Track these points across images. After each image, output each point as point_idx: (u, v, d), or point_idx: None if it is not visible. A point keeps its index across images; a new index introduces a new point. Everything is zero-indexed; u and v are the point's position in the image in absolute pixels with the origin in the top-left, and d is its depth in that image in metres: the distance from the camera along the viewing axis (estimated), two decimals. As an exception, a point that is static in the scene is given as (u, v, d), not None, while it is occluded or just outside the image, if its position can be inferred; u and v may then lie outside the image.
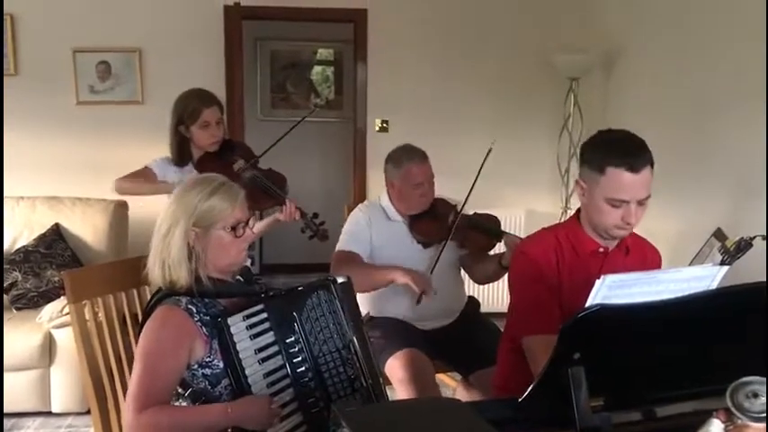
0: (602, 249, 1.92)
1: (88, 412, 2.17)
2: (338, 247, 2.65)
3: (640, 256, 1.96)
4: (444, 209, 2.70)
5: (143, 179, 2.76)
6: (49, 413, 3.30)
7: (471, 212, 2.72)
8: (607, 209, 1.81)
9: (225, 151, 2.81)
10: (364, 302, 2.71)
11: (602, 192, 1.80)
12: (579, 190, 1.89)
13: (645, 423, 1.40)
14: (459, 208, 2.69)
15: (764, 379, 1.06)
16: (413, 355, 2.44)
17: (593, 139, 1.89)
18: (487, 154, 2.63)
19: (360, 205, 2.82)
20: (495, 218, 2.76)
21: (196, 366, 1.66)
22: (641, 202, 1.80)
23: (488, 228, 2.67)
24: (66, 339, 3.19)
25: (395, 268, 2.46)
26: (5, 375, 3.11)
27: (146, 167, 2.81)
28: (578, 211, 1.98)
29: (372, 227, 2.64)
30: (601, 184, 1.80)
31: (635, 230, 1.99)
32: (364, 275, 2.49)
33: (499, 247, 2.68)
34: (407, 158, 2.62)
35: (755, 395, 1.06)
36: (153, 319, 1.67)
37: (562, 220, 4.39)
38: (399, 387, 2.39)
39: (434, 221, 2.65)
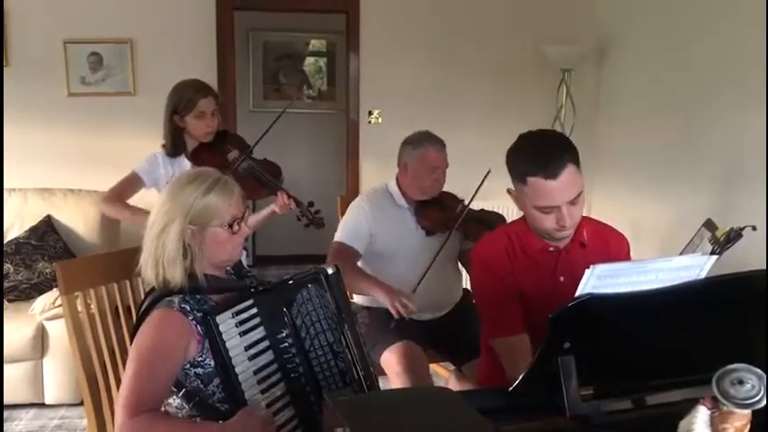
0: (552, 249, 1.89)
1: (81, 403, 2.18)
2: (336, 237, 2.66)
3: (601, 246, 1.91)
4: (452, 200, 2.74)
5: (125, 197, 2.78)
6: (42, 404, 3.30)
7: (479, 209, 2.75)
8: (539, 216, 1.79)
9: (219, 142, 2.81)
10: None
11: (529, 201, 1.78)
12: (513, 200, 1.88)
13: (634, 411, 1.42)
14: (466, 201, 2.71)
15: (749, 366, 1.07)
16: (408, 348, 2.45)
17: (514, 146, 1.86)
18: (484, 178, 2.66)
19: (362, 195, 2.82)
20: (501, 216, 2.79)
21: (188, 366, 1.63)
22: (573, 202, 1.77)
23: (494, 223, 2.68)
24: (58, 331, 3.19)
25: (380, 287, 2.43)
26: (-2, 367, 3.11)
27: (133, 173, 2.80)
28: None
29: (372, 217, 2.64)
30: (526, 193, 1.78)
31: (594, 218, 1.98)
32: (351, 280, 2.47)
33: None
34: (428, 142, 2.65)
35: (741, 382, 1.07)
36: (148, 322, 1.63)
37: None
38: (395, 380, 2.41)
39: (441, 210, 2.67)
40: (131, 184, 2.80)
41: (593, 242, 1.91)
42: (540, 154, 1.75)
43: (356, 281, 2.51)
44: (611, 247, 1.94)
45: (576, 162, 1.76)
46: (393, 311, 2.35)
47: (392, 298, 2.36)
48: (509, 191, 1.88)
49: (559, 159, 1.73)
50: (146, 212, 2.63)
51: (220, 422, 1.58)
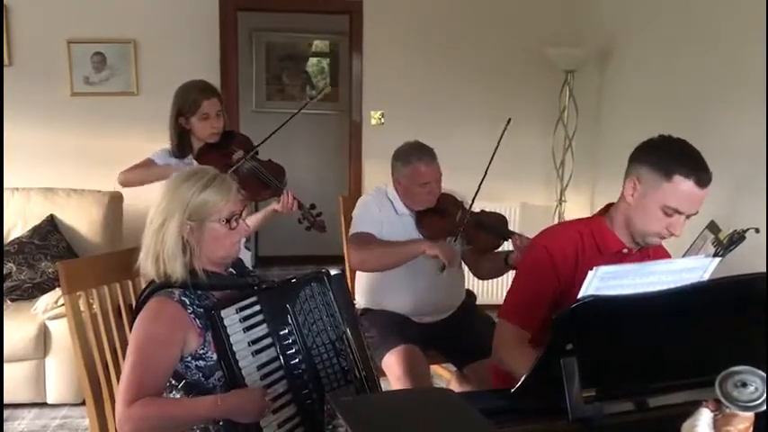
0: (626, 250, 1.90)
1: (83, 403, 2.18)
2: (352, 230, 2.64)
3: (660, 258, 1.92)
4: (452, 206, 2.70)
5: (146, 168, 2.76)
6: (44, 404, 3.30)
7: (478, 210, 2.71)
8: (658, 215, 1.78)
9: (225, 142, 2.81)
10: (362, 295, 2.72)
11: (662, 197, 1.76)
12: (630, 189, 1.84)
13: (636, 413, 1.42)
14: (466, 206, 2.69)
15: (753, 369, 1.07)
16: (409, 352, 2.44)
17: (659, 142, 1.84)
18: (505, 127, 2.61)
19: (369, 192, 2.81)
20: (503, 217, 2.76)
21: (189, 358, 1.66)
22: (690, 216, 1.79)
23: (496, 228, 2.67)
24: (60, 330, 3.20)
25: (421, 241, 2.47)
26: (0, 366, 3.11)
27: (148, 159, 2.81)
28: (606, 208, 1.96)
29: (383, 214, 2.64)
30: (663, 188, 1.76)
31: None
32: (389, 252, 2.49)
33: (505, 245, 2.69)
34: (416, 157, 2.60)
35: (744, 384, 1.07)
36: (145, 311, 1.66)
37: (557, 213, 4.44)
38: (396, 384, 2.40)
39: (442, 218, 2.65)
40: (147, 165, 2.79)
41: (655, 252, 1.94)
42: (699, 160, 1.77)
43: (396, 250, 2.49)
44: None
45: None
46: (444, 261, 2.39)
47: (441, 250, 2.40)
48: (631, 179, 1.84)
49: (709, 174, 1.76)
50: (171, 167, 2.62)
51: (217, 394, 1.61)
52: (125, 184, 2.83)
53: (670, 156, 1.79)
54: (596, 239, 1.91)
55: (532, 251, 2.00)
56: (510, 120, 2.60)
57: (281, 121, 2.83)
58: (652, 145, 1.85)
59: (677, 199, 1.75)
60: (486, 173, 2.64)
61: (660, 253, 1.99)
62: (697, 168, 1.75)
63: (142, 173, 2.76)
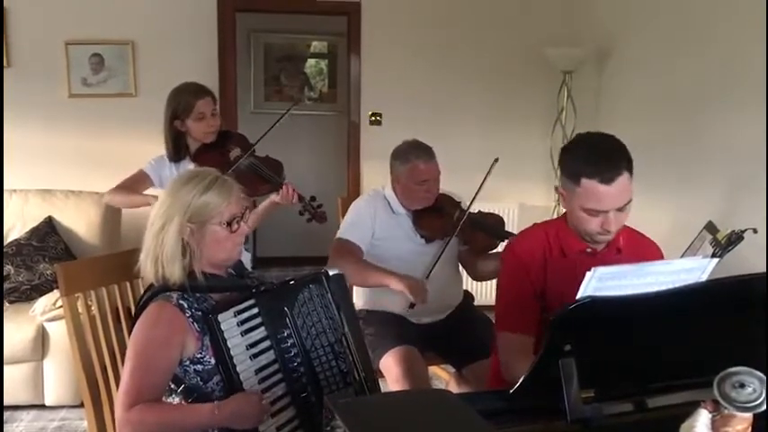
0: (589, 250, 1.91)
1: (81, 405, 2.18)
2: (338, 235, 2.65)
3: (635, 253, 1.91)
4: (449, 205, 2.70)
5: (132, 191, 2.76)
6: (43, 406, 3.30)
7: (476, 210, 2.72)
8: (585, 217, 1.80)
9: (221, 141, 2.82)
10: (360, 296, 2.71)
11: (579, 202, 1.79)
12: (560, 196, 1.89)
13: (635, 414, 1.41)
14: (464, 206, 2.70)
15: (751, 369, 1.07)
16: (407, 353, 2.44)
17: (570, 145, 1.88)
18: (492, 166, 2.63)
19: (363, 195, 2.81)
20: (500, 218, 2.77)
21: (188, 362, 1.65)
22: (621, 208, 1.79)
23: (492, 228, 2.68)
24: (59, 332, 3.19)
25: (391, 274, 2.43)
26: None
27: (141, 171, 2.81)
28: None
29: (376, 219, 2.63)
30: (577, 194, 1.79)
31: (631, 226, 1.97)
32: (360, 273, 2.48)
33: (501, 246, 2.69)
34: (414, 155, 2.61)
35: (742, 385, 1.07)
36: (145, 315, 1.66)
37: (555, 214, 4.44)
38: (394, 385, 2.40)
39: (439, 217, 2.65)
40: (138, 181, 2.80)
41: (628, 248, 1.93)
42: (598, 158, 1.76)
43: (366, 273, 2.49)
44: (645, 254, 1.93)
45: (631, 170, 1.77)
46: (411, 297, 2.36)
47: (408, 285, 2.37)
48: (557, 188, 1.90)
49: (616, 166, 1.75)
50: (155, 197, 2.63)
51: (215, 402, 1.61)
52: (110, 204, 2.84)
53: (575, 159, 1.81)
54: (561, 241, 1.92)
55: (505, 257, 2.02)
56: (497, 159, 2.64)
57: (281, 122, 2.83)
58: (565, 150, 1.88)
59: (590, 201, 1.77)
60: (479, 188, 2.65)
61: (637, 245, 1.96)
62: (600, 167, 1.74)
63: (125, 198, 2.77)
